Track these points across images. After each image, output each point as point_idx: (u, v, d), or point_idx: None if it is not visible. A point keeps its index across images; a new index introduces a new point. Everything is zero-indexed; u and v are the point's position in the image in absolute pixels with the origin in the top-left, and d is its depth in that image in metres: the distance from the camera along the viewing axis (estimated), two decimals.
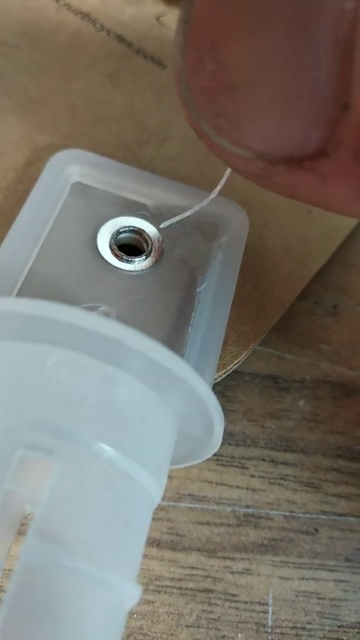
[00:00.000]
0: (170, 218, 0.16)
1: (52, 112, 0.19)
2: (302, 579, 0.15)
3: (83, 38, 0.21)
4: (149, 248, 0.15)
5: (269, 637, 0.15)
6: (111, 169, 0.16)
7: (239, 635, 0.15)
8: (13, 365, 0.11)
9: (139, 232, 0.16)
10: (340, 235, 0.18)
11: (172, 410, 0.12)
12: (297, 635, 0.15)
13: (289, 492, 0.16)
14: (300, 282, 0.17)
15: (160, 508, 0.16)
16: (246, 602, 0.15)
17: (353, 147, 0.09)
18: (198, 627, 0.14)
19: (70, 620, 0.10)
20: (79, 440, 0.10)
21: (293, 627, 0.15)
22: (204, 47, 0.09)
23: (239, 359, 0.16)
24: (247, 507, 0.16)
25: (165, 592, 0.15)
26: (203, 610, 0.15)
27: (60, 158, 0.16)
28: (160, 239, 0.16)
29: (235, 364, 0.16)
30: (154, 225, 0.16)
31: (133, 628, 0.14)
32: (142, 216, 0.16)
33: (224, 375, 0.16)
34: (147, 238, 0.16)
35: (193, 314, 0.15)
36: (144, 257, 0.15)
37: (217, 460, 0.16)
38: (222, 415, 0.12)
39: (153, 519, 0.15)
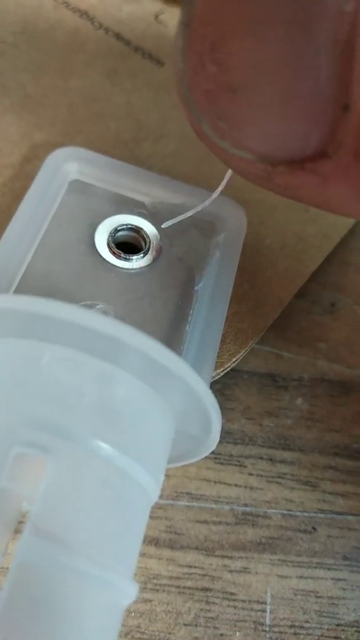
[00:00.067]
0: (167, 215, 0.16)
1: (50, 110, 0.19)
2: (300, 577, 0.15)
3: (81, 36, 0.21)
4: (147, 246, 0.15)
5: (267, 636, 0.15)
6: (109, 167, 0.16)
7: (237, 633, 0.15)
8: (10, 363, 0.11)
9: (136, 230, 0.16)
10: (338, 234, 0.18)
11: (170, 408, 0.12)
12: (295, 633, 0.15)
13: (287, 490, 0.16)
14: (297, 280, 0.17)
15: (158, 506, 0.16)
16: (244, 601, 0.15)
17: (353, 148, 0.09)
18: (196, 625, 0.14)
19: (66, 618, 0.10)
20: (76, 438, 0.10)
21: (291, 626, 0.15)
22: (205, 49, 0.10)
23: (237, 357, 0.16)
24: (245, 505, 0.16)
25: (163, 590, 0.15)
26: (201, 609, 0.15)
27: (58, 155, 0.16)
28: (158, 237, 0.16)
29: (233, 362, 0.16)
30: (152, 223, 0.16)
31: (131, 626, 0.14)
32: (139, 214, 0.16)
33: (222, 374, 0.16)
34: (144, 236, 0.15)
35: (191, 312, 0.15)
36: (141, 255, 0.15)
37: (215, 458, 0.16)
38: (220, 414, 0.12)
39: (151, 517, 0.15)
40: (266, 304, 0.17)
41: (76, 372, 0.11)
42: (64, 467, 0.10)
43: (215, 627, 0.14)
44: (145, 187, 0.16)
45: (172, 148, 0.19)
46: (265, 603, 0.15)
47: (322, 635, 0.15)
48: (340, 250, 0.19)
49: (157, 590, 0.15)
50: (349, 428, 0.17)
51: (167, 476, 0.16)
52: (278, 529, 0.16)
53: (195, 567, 0.15)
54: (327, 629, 0.15)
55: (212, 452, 0.13)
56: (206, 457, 0.14)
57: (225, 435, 0.17)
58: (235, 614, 0.15)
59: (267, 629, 0.15)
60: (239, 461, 0.16)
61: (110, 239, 0.15)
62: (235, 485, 0.16)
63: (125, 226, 0.16)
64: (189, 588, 0.15)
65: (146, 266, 0.15)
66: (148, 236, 0.15)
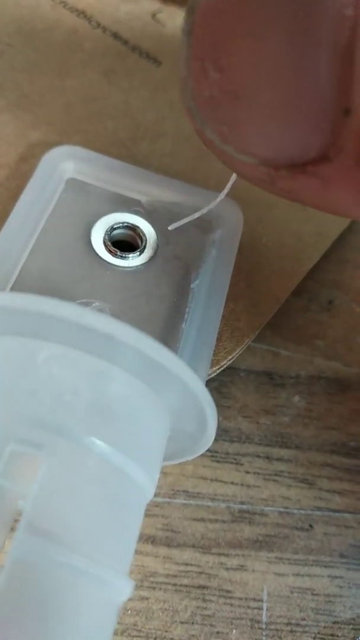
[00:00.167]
0: (164, 214, 0.16)
1: (47, 110, 0.19)
2: (297, 575, 0.15)
3: (78, 35, 0.21)
4: (143, 244, 0.15)
5: (264, 634, 0.15)
6: (106, 166, 0.16)
7: (234, 631, 0.15)
8: (5, 360, 0.11)
9: (133, 228, 0.16)
10: (334, 232, 0.18)
11: (166, 405, 0.12)
12: (291, 631, 0.15)
13: (284, 488, 0.16)
14: (294, 278, 0.17)
15: (154, 504, 0.16)
16: (241, 599, 0.15)
17: (354, 152, 0.09)
18: (192, 623, 0.14)
19: (61, 615, 0.10)
20: (71, 435, 0.10)
21: (288, 624, 0.15)
22: (207, 56, 0.10)
23: (233, 354, 0.16)
24: (242, 503, 0.16)
25: (160, 588, 0.15)
26: (198, 607, 0.15)
27: (54, 154, 0.16)
28: (155, 235, 0.16)
29: (230, 360, 0.16)
30: (148, 222, 0.16)
31: (127, 624, 0.14)
32: (136, 212, 0.16)
33: (218, 371, 0.16)
34: (141, 234, 0.15)
35: (187, 309, 0.15)
36: (138, 253, 0.15)
37: (212, 456, 0.16)
38: (215, 411, 0.12)
39: (148, 515, 0.15)
40: (262, 302, 0.17)
41: (72, 369, 0.11)
42: (59, 465, 0.10)
43: (211, 625, 0.15)
44: (142, 186, 0.16)
45: (169, 147, 0.19)
46: (262, 601, 0.15)
47: (318, 633, 0.15)
48: (338, 247, 0.19)
49: (154, 588, 0.15)
50: (346, 426, 0.17)
51: (164, 474, 0.16)
52: (275, 526, 0.16)
53: (191, 564, 0.15)
54: (324, 627, 0.15)
55: (209, 450, 0.13)
56: (203, 455, 0.14)
57: (222, 433, 0.17)
58: (231, 612, 0.15)
59: (264, 626, 0.15)
60: (235, 459, 0.16)
61: (106, 237, 0.15)
62: (232, 483, 0.16)
63: (121, 224, 0.16)
64: (186, 586, 0.15)
65: (142, 264, 0.15)
66: (144, 234, 0.16)
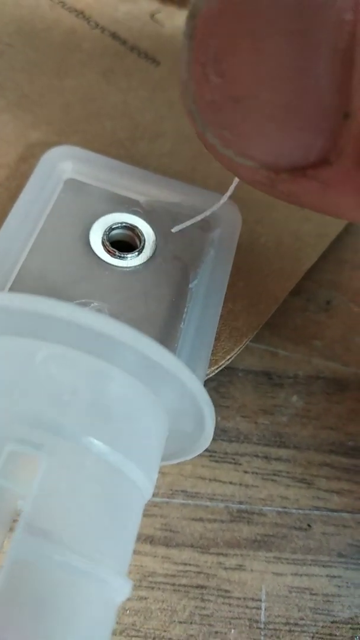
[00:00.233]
0: (162, 214, 0.16)
1: (46, 110, 0.19)
2: (295, 574, 0.15)
3: (77, 36, 0.21)
4: (142, 244, 0.15)
5: (262, 633, 0.15)
6: (104, 166, 0.16)
7: (232, 631, 0.15)
8: (3, 360, 0.11)
9: (131, 228, 0.16)
10: (333, 232, 0.19)
11: (164, 405, 0.12)
12: (290, 631, 0.15)
13: (282, 488, 0.16)
14: (292, 278, 0.17)
15: (153, 504, 0.16)
16: (239, 598, 0.15)
17: (354, 155, 0.09)
18: (191, 623, 0.15)
19: (60, 615, 0.10)
20: (68, 435, 0.10)
21: (286, 623, 0.15)
22: (208, 61, 0.10)
23: (232, 354, 0.16)
24: (240, 503, 0.16)
25: (159, 588, 0.15)
26: (196, 607, 0.15)
27: (53, 154, 0.16)
28: (153, 235, 0.16)
29: (228, 360, 0.16)
30: (147, 222, 0.16)
31: (126, 624, 0.14)
32: (134, 212, 0.16)
33: (216, 371, 0.16)
34: (139, 234, 0.16)
35: (185, 309, 0.15)
36: (136, 253, 0.15)
37: (211, 456, 0.16)
38: (213, 411, 0.12)
39: (146, 515, 0.15)
40: (261, 302, 0.17)
41: (70, 369, 0.11)
42: (57, 464, 0.10)
43: (210, 625, 0.15)
44: (140, 186, 0.16)
45: (168, 147, 0.19)
46: (260, 600, 0.15)
47: (317, 633, 0.15)
48: (336, 248, 0.19)
49: (152, 588, 0.15)
50: (344, 425, 0.17)
51: (163, 474, 0.16)
52: (273, 526, 0.16)
53: (190, 564, 0.15)
54: (322, 626, 0.15)
55: (207, 450, 0.13)
56: (201, 455, 0.14)
57: (221, 433, 0.17)
58: (230, 612, 0.15)
59: (262, 626, 0.15)
60: (234, 459, 0.16)
61: (105, 237, 0.15)
62: (231, 482, 0.16)
63: (120, 224, 0.16)
64: (184, 586, 0.15)
65: (141, 264, 0.15)
66: (143, 234, 0.16)
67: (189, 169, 0.18)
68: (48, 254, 0.15)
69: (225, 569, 0.15)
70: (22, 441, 0.10)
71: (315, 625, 0.15)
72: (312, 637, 0.15)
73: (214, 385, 0.17)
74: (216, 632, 0.14)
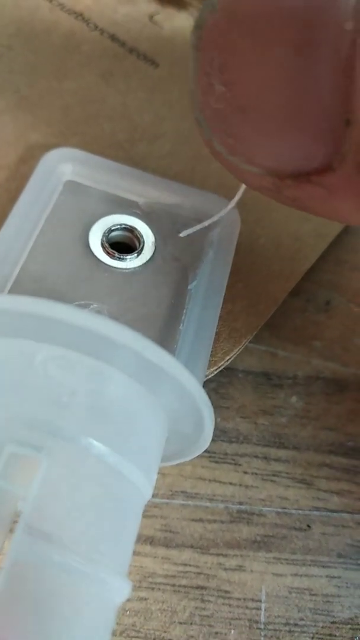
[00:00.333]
0: (162, 215, 0.16)
1: (46, 111, 0.19)
2: (295, 575, 0.15)
3: (76, 38, 0.21)
4: (141, 246, 0.15)
5: (262, 634, 0.15)
6: (104, 168, 0.17)
7: (232, 631, 0.15)
8: (2, 362, 0.11)
9: (130, 230, 0.16)
10: (332, 232, 0.19)
11: (163, 406, 0.12)
12: (289, 631, 0.15)
13: (282, 488, 0.16)
14: (292, 279, 0.17)
15: (153, 505, 0.16)
16: (239, 599, 0.15)
17: (356, 161, 0.09)
18: (191, 624, 0.15)
19: (59, 616, 0.10)
20: (68, 436, 0.10)
21: (286, 624, 0.15)
22: (213, 71, 0.10)
23: (231, 355, 0.16)
24: (240, 503, 0.16)
25: (159, 589, 0.15)
26: (196, 607, 0.15)
27: (53, 156, 0.16)
28: (152, 236, 0.16)
29: (227, 361, 0.16)
30: (146, 223, 0.16)
31: (126, 625, 0.14)
32: (134, 214, 0.16)
33: (215, 372, 0.16)
34: (138, 236, 0.16)
35: (184, 311, 0.15)
36: (135, 254, 0.15)
37: (210, 457, 0.16)
38: (212, 412, 0.12)
39: (146, 516, 0.15)
40: (260, 303, 0.17)
41: (69, 370, 0.11)
42: (57, 466, 0.10)
43: (210, 625, 0.15)
44: (140, 188, 0.16)
45: (167, 149, 0.19)
46: (260, 601, 0.15)
47: (316, 633, 0.15)
48: (335, 248, 0.19)
49: (152, 589, 0.15)
50: (343, 426, 0.17)
51: (162, 475, 0.16)
52: (273, 527, 0.16)
53: (190, 565, 0.15)
54: (322, 627, 0.15)
55: (207, 451, 0.14)
56: (201, 456, 0.14)
57: (220, 433, 0.17)
58: (230, 612, 0.15)
59: (262, 626, 0.15)
60: (233, 459, 0.16)
61: (104, 239, 0.15)
62: (230, 483, 0.16)
63: (119, 226, 0.16)
64: (184, 586, 0.15)
65: (140, 266, 0.15)
66: (142, 236, 0.16)
67: (188, 171, 0.18)
68: (47, 256, 0.15)
69: (225, 569, 0.15)
70: (21, 443, 0.10)
71: (315, 625, 0.15)
72: (312, 638, 0.15)
73: (213, 386, 0.17)
74: (216, 633, 0.14)
